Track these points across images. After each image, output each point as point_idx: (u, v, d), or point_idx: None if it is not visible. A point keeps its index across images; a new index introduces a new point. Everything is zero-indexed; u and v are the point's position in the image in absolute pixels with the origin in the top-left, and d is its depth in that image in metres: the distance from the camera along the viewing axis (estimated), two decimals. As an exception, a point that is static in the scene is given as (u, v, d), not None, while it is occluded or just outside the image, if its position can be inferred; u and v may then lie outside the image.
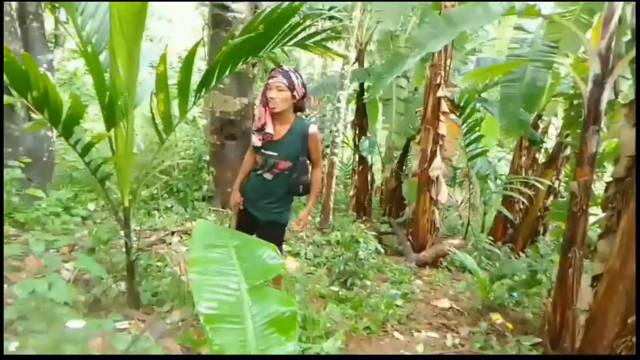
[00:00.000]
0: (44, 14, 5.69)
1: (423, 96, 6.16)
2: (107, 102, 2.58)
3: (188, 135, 7.52)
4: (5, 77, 2.25)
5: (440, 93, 5.70)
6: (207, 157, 6.66)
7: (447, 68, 5.84)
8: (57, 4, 5.87)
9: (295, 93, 2.83)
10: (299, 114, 3.04)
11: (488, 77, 6.41)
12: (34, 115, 4.67)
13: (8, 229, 4.11)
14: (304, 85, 2.90)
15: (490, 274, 4.58)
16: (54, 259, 2.22)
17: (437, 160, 5.73)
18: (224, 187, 6.58)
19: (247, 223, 3.08)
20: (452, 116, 6.02)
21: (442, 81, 5.73)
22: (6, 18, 4.69)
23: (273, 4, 2.74)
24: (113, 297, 3.10)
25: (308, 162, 3.05)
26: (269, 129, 2.88)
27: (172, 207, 6.16)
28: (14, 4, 4.81)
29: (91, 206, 4.90)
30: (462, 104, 6.56)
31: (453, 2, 5.45)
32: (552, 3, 5.14)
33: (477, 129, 6.81)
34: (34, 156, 4.83)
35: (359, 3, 6.21)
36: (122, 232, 2.96)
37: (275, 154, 2.93)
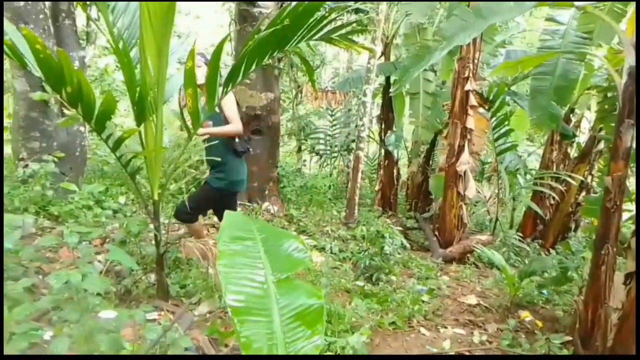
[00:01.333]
0: (76, 11, 5.82)
1: (451, 90, 6.06)
2: (138, 97, 2.63)
3: (215, 130, 7.60)
4: (40, 74, 2.32)
5: (468, 86, 5.59)
6: (234, 152, 6.72)
7: (476, 61, 5.72)
8: (88, 2, 6.00)
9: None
10: None
11: (518, 69, 6.25)
12: (66, 111, 4.80)
13: (43, 222, 4.25)
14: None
15: (519, 270, 4.49)
16: (87, 251, 2.29)
17: (465, 155, 5.64)
18: (250, 182, 6.63)
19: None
20: (481, 110, 5.91)
21: (471, 74, 5.62)
22: (40, 16, 4.82)
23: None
24: (143, 289, 3.18)
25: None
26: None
27: (199, 201, 6.24)
28: (47, 2, 4.94)
29: (122, 200, 5.01)
30: (491, 98, 6.42)
31: (482, -6, 5.34)
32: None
33: (506, 122, 6.65)
34: (67, 151, 4.97)
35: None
36: (151, 225, 3.02)
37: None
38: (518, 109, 7.52)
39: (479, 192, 6.66)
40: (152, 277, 3.24)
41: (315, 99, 10.07)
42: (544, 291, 4.32)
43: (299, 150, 10.86)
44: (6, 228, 1.90)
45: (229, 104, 3.60)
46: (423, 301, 4.04)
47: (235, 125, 3.64)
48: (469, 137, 5.71)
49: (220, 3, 12.38)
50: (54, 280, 1.70)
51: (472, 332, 3.64)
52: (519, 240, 6.08)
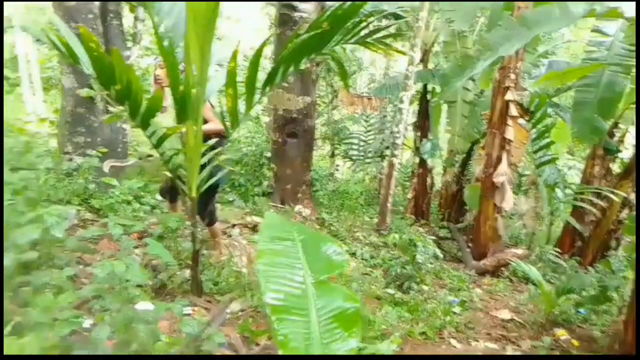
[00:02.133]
0: (123, 12, 6.03)
1: (490, 99, 5.95)
2: (180, 96, 2.70)
3: (251, 132, 7.72)
4: (91, 70, 2.41)
5: (509, 96, 5.49)
6: (268, 154, 6.80)
7: (517, 70, 5.61)
8: (136, 4, 6.20)
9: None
10: None
11: (562, 81, 6.09)
12: (111, 108, 4.97)
13: (85, 214, 4.40)
14: None
15: (556, 287, 4.36)
16: (129, 243, 2.35)
17: (503, 166, 5.53)
18: (284, 184, 6.70)
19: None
20: (521, 121, 5.77)
21: (512, 84, 5.51)
22: (89, 16, 5.02)
23: (339, 4, 2.76)
24: (178, 284, 3.24)
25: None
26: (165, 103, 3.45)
27: (233, 200, 6.34)
28: (96, 2, 5.13)
29: (159, 196, 5.13)
30: (532, 108, 6.28)
31: (527, 3, 5.23)
32: (633, 4, 4.81)
33: (547, 134, 6.49)
34: (110, 147, 5.14)
35: (427, 3, 6.10)
36: (188, 222, 3.09)
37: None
38: (559, 121, 7.32)
39: (515, 204, 6.50)
40: (187, 272, 3.30)
41: (350, 104, 10.05)
42: (581, 310, 4.18)
43: (333, 154, 10.87)
44: (55, 218, 1.98)
45: (207, 107, 3.57)
46: (455, 313, 3.98)
47: (217, 125, 3.61)
48: (507, 147, 5.60)
49: (260, 6, 12.59)
50: (98, 270, 1.76)
51: (504, 347, 3.55)
52: (556, 256, 5.90)
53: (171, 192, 4.00)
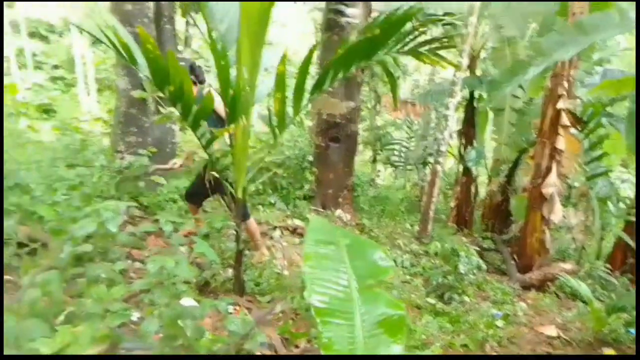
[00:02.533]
0: (176, 17, 6.24)
1: (540, 107, 5.77)
2: (231, 99, 2.76)
3: (294, 136, 7.80)
4: (147, 72, 2.51)
5: (561, 105, 5.29)
6: (311, 158, 6.84)
7: (571, 78, 5.40)
8: (189, 8, 6.40)
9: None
10: (200, 85, 3.87)
11: (617, 90, 5.83)
12: (162, 109, 5.15)
13: (134, 210, 4.57)
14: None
15: (606, 304, 4.17)
16: (179, 240, 2.43)
17: (552, 177, 5.33)
18: (326, 188, 6.72)
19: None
20: (573, 130, 5.56)
21: (564, 92, 5.32)
22: (144, 19, 5.22)
23: (388, 10, 2.75)
24: (220, 282, 3.31)
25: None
26: None
27: (275, 203, 6.41)
28: (150, 4, 5.33)
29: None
30: (584, 118, 6.04)
31: (582, 8, 5.04)
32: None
33: (600, 146, 6.22)
34: (160, 146, 5.33)
35: (477, 7, 5.98)
36: (233, 222, 3.15)
37: None
38: (614, 132, 7.00)
39: (564, 217, 6.26)
40: (230, 272, 3.36)
41: (393, 110, 9.99)
42: (632, 330, 3.97)
43: (374, 160, 10.83)
44: (110, 213, 2.07)
45: (218, 102, 3.64)
46: (497, 326, 3.86)
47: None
48: (558, 158, 5.40)
49: (306, 10, 12.72)
50: (150, 265, 1.83)
51: (549, 365, 3.42)
52: (607, 272, 5.64)
53: (197, 196, 4.08)
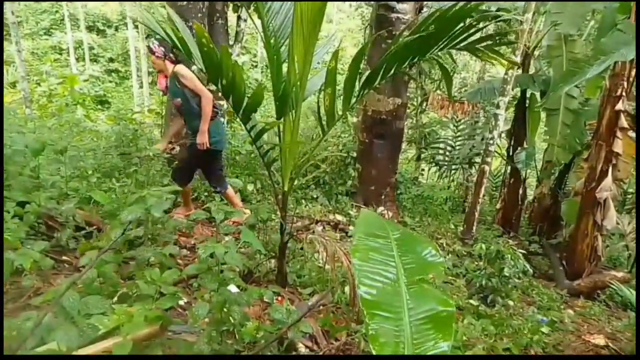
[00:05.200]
0: (228, 12, 6.37)
1: (597, 108, 5.52)
2: (281, 93, 2.80)
3: (337, 132, 7.81)
4: (202, 65, 2.59)
5: (619, 106, 5.05)
6: (354, 154, 6.84)
7: (631, 79, 5.14)
8: (240, 4, 6.52)
9: (156, 53, 4.04)
10: (178, 65, 4.09)
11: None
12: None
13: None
14: (161, 46, 4.04)
15: (659, 316, 3.96)
16: (229, 229, 2.50)
17: (608, 181, 5.11)
18: (368, 185, 6.70)
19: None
20: (631, 133, 5.29)
21: (624, 93, 5.07)
22: (198, 15, 5.36)
23: (441, 5, 2.70)
24: (264, 272, 3.38)
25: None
26: (160, 85, 4.32)
27: (317, 198, 6.46)
28: (205, 3, 5.47)
29: (250, 187, 5.37)
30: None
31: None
32: None
33: (660, 150, 5.89)
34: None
35: (533, 4, 5.79)
36: (278, 214, 3.20)
37: (171, 96, 4.25)
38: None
39: (618, 223, 5.97)
40: (273, 263, 3.42)
41: (440, 108, 9.80)
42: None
43: (418, 158, 10.68)
44: (155, 199, 2.15)
45: (189, 79, 4.03)
46: (543, 332, 3.75)
47: (206, 97, 4.03)
48: (614, 161, 5.16)
49: (354, 7, 12.67)
50: (201, 251, 1.89)
51: (598, 376, 3.29)
52: (662, 282, 5.35)
53: (184, 176, 4.34)
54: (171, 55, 4.10)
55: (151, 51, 4.09)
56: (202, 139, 4.08)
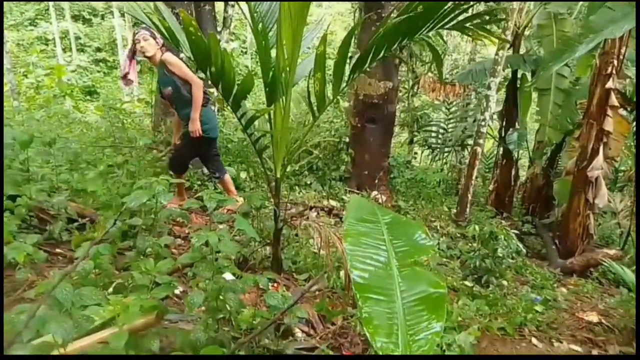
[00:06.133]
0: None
1: (588, 87, 5.53)
2: (270, 79, 2.78)
3: (329, 117, 7.79)
4: (190, 53, 2.56)
5: (610, 84, 5.06)
6: (347, 139, 6.83)
7: (621, 57, 5.15)
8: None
9: (157, 40, 3.97)
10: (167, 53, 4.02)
11: (673, 68, 5.52)
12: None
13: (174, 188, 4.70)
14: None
15: (651, 292, 4.02)
16: (222, 217, 2.50)
17: (599, 160, 5.14)
18: (361, 169, 6.71)
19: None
20: (622, 111, 5.32)
21: (614, 71, 5.08)
22: (184, 1, 5.28)
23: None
24: (259, 260, 3.39)
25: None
26: (132, 76, 4.14)
27: (311, 184, 6.46)
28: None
29: (242, 175, 5.36)
30: (634, 99, 5.76)
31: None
32: None
33: (650, 127, 5.94)
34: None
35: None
36: (272, 201, 3.20)
37: (161, 86, 4.15)
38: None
39: (609, 201, 6.04)
40: (268, 250, 3.43)
41: (432, 91, 9.77)
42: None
43: (411, 142, 10.69)
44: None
45: (177, 67, 3.99)
46: (537, 311, 3.80)
47: (196, 84, 3.98)
48: (605, 140, 5.19)
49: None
50: (194, 239, 1.89)
51: (590, 351, 3.35)
52: (654, 259, 5.43)
53: (180, 166, 4.39)
54: (158, 40, 4.04)
55: (152, 36, 3.98)
56: (194, 127, 4.04)
